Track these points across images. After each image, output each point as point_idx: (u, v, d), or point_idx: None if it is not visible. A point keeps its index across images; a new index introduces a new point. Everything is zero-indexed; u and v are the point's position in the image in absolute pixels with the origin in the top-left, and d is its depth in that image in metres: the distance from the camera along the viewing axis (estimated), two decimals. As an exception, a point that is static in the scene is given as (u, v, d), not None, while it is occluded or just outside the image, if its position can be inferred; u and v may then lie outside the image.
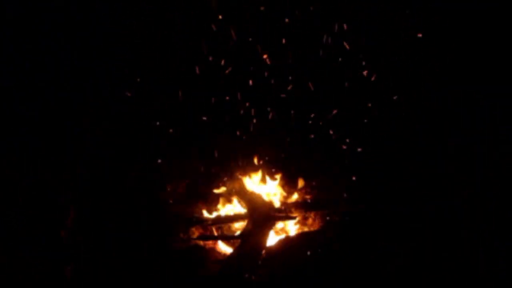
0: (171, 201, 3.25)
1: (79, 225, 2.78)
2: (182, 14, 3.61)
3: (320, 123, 3.60)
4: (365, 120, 3.47)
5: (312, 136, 3.59)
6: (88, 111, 3.39)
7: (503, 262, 2.29)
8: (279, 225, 3.11)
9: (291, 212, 3.18)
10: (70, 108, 3.35)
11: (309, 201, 3.28)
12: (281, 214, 3.12)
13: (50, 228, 2.68)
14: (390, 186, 2.87)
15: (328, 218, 3.05)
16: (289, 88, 3.64)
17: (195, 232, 3.10)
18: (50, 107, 3.29)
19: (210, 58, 3.59)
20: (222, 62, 3.60)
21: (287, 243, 2.83)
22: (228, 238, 3.04)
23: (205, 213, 3.21)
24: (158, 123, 3.49)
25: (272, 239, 2.97)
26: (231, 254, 2.80)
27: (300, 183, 3.41)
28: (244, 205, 3.17)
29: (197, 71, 3.59)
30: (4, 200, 2.73)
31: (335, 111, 3.57)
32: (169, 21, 3.61)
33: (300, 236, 2.91)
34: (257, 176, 3.39)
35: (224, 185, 3.35)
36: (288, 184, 3.43)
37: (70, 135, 3.25)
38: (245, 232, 2.92)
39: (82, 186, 2.99)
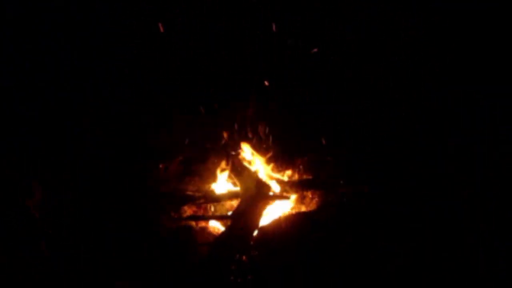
0: (163, 179, 3.18)
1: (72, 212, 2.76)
2: (182, 14, 3.62)
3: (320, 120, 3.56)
4: (365, 120, 3.47)
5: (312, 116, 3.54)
6: (88, 111, 3.39)
7: (503, 262, 2.29)
8: (274, 204, 3.02)
9: (286, 191, 3.09)
10: (70, 108, 3.35)
11: (306, 179, 3.17)
12: (275, 193, 3.03)
13: (49, 228, 2.68)
14: (390, 186, 2.86)
15: (326, 198, 2.95)
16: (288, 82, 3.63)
17: (187, 211, 3.03)
18: (50, 107, 3.29)
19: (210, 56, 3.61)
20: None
21: (282, 223, 2.73)
22: (219, 218, 2.96)
23: (198, 191, 3.14)
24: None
25: (266, 218, 2.89)
26: (222, 234, 2.73)
27: (297, 161, 3.31)
28: (237, 183, 3.09)
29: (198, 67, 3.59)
30: (4, 200, 2.73)
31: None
32: (169, 21, 3.61)
33: (296, 216, 2.81)
34: (252, 152, 3.31)
35: (218, 161, 3.27)
36: (285, 162, 3.32)
37: (70, 135, 3.24)
38: (236, 212, 2.83)
39: (82, 186, 2.98)
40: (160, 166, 3.24)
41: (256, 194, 2.91)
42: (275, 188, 3.12)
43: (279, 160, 3.32)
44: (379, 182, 2.93)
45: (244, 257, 2.53)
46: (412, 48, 3.54)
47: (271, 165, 3.29)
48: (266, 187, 3.02)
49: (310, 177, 3.21)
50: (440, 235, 2.48)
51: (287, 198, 3.01)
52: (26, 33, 3.35)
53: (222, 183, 3.25)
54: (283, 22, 3.61)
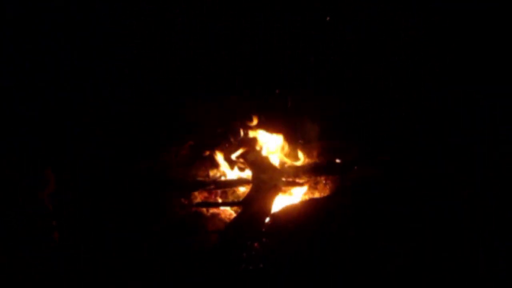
0: (173, 164, 3.14)
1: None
2: (182, 14, 3.62)
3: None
4: (365, 120, 3.47)
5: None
6: (88, 111, 3.39)
7: (503, 262, 2.29)
8: (286, 190, 2.96)
9: (299, 176, 3.03)
10: (70, 108, 3.35)
11: (319, 164, 3.10)
12: (288, 179, 2.97)
13: (49, 228, 2.68)
14: (390, 186, 2.86)
15: (340, 183, 2.88)
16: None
17: (198, 197, 2.99)
18: (50, 107, 3.29)
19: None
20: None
21: (294, 210, 2.66)
22: (230, 205, 2.91)
23: (209, 177, 3.11)
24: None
25: (278, 205, 2.82)
26: (233, 221, 2.69)
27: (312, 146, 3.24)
28: (249, 168, 3.03)
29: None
30: (4, 200, 2.73)
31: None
32: (169, 21, 3.62)
33: (308, 202, 2.74)
34: (264, 137, 3.25)
35: (229, 147, 3.23)
36: (298, 147, 3.27)
37: (70, 135, 3.24)
38: (248, 198, 2.78)
39: (82, 186, 2.96)
40: (171, 150, 3.20)
41: (268, 180, 2.85)
42: (288, 173, 3.05)
43: (292, 145, 3.27)
44: (379, 182, 2.93)
45: (255, 244, 2.49)
46: (412, 48, 3.54)
47: (284, 150, 3.23)
48: (279, 172, 2.95)
49: (323, 162, 3.16)
50: (440, 235, 2.48)
51: (300, 184, 2.96)
52: (26, 33, 3.35)
53: (234, 169, 3.18)
54: (283, 22, 3.62)
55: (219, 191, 3.08)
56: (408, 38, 3.54)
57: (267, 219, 2.69)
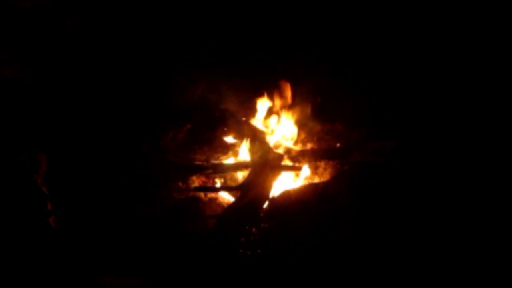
0: (171, 147, 3.08)
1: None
2: (182, 14, 3.63)
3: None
4: (365, 120, 3.47)
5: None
6: (88, 111, 3.38)
7: (503, 262, 2.30)
8: (285, 175, 2.91)
9: (298, 161, 2.97)
10: (71, 108, 3.35)
11: (319, 149, 3.05)
12: (287, 164, 2.91)
13: (48, 228, 2.67)
14: (391, 186, 2.86)
15: (340, 168, 2.83)
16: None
17: (196, 181, 2.95)
18: (51, 107, 3.29)
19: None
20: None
21: (293, 194, 2.61)
22: (228, 189, 2.86)
23: (207, 161, 3.07)
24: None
25: (277, 189, 2.77)
26: (231, 206, 2.63)
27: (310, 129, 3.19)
28: (248, 152, 2.97)
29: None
30: (4, 200, 2.72)
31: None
32: (169, 21, 3.62)
33: (307, 187, 2.67)
34: (264, 121, 3.22)
35: (228, 130, 3.19)
36: (298, 131, 3.23)
37: (70, 135, 3.24)
38: (246, 183, 2.71)
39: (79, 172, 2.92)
40: (169, 134, 3.15)
41: (267, 165, 2.76)
42: (287, 158, 3.00)
43: (292, 129, 3.23)
44: (379, 171, 2.91)
45: (253, 229, 2.44)
46: (412, 48, 3.54)
47: (284, 134, 3.19)
48: (278, 157, 2.86)
49: (323, 147, 3.11)
50: (440, 235, 2.48)
51: (299, 169, 2.89)
52: (26, 33, 3.35)
53: (232, 153, 3.15)
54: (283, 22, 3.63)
55: (217, 175, 3.02)
56: (409, 38, 3.55)
57: (266, 204, 2.64)
